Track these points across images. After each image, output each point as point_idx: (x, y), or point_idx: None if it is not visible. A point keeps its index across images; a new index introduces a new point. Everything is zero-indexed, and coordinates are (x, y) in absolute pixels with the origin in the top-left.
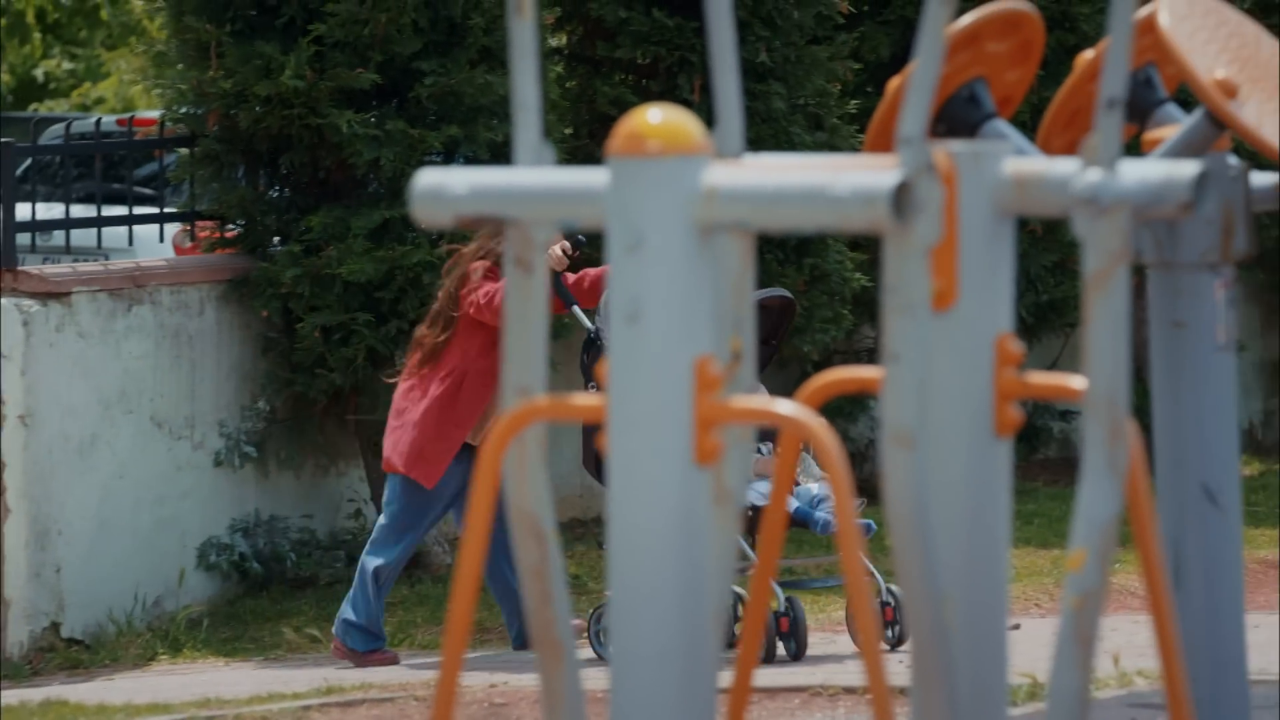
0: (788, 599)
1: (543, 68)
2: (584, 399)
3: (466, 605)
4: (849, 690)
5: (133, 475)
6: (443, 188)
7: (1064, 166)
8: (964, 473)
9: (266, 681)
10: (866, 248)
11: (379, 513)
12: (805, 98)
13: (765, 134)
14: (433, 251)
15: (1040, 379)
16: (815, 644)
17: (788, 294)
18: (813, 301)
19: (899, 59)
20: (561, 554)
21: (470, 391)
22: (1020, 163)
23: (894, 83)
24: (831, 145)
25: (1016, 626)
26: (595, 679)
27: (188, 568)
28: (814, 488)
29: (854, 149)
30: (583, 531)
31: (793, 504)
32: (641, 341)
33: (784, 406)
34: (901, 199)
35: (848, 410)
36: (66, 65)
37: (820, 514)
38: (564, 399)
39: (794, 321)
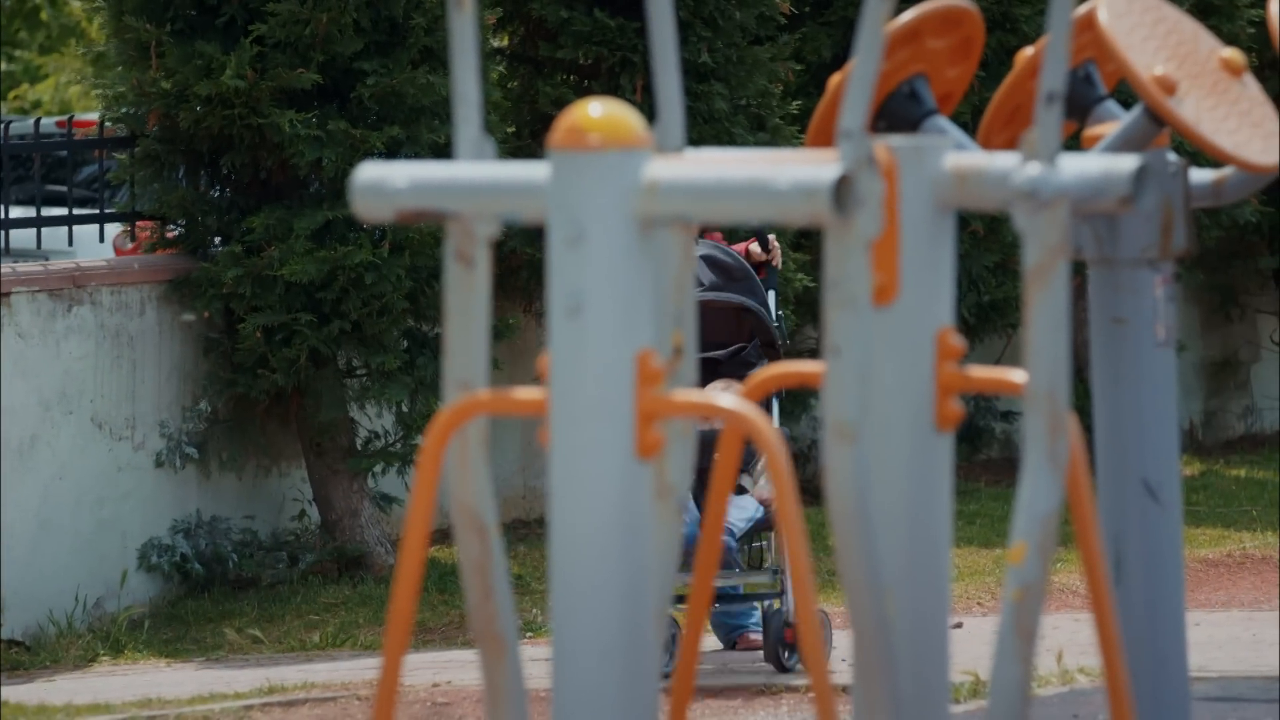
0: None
1: (485, 68)
2: (525, 393)
3: (407, 605)
4: (791, 689)
5: (73, 476)
6: (383, 182)
7: (1004, 161)
8: (905, 467)
9: (208, 682)
10: (809, 248)
11: (321, 513)
12: (747, 98)
13: (707, 134)
14: (374, 252)
15: (981, 373)
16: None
17: (743, 300)
18: None
19: (841, 59)
20: (504, 550)
21: None
22: (961, 157)
23: (835, 79)
24: (773, 145)
25: (959, 625)
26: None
27: (129, 569)
28: (749, 505)
29: (796, 149)
30: (525, 532)
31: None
32: (582, 335)
33: (726, 400)
34: (842, 192)
35: (790, 409)
36: (4, 67)
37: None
38: (505, 393)
39: (764, 327)
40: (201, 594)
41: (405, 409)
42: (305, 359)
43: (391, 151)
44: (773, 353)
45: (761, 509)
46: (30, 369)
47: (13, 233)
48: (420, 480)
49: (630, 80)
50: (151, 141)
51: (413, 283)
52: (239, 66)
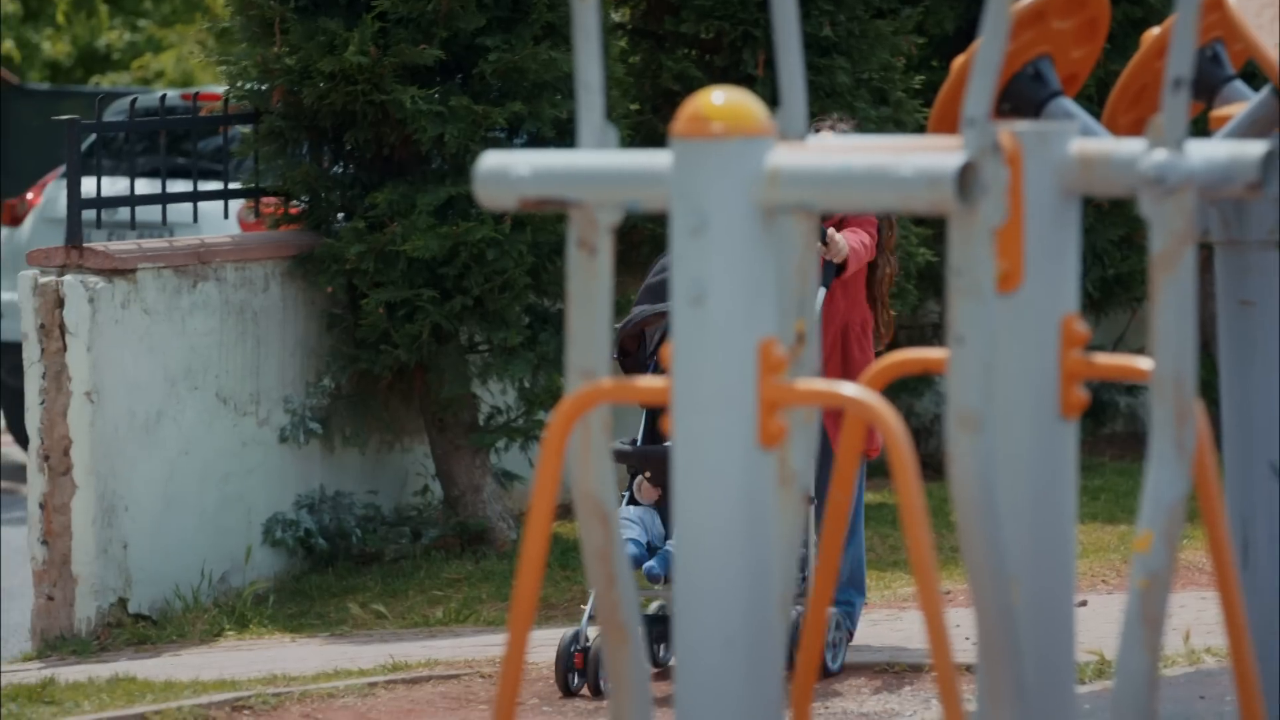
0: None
1: (606, 43)
2: (648, 381)
3: (533, 582)
4: (915, 668)
5: (198, 452)
6: (506, 170)
7: (1130, 146)
8: (1030, 454)
9: (332, 658)
10: (932, 223)
11: (443, 489)
12: (869, 72)
13: (829, 109)
14: (496, 228)
15: (1106, 360)
16: (881, 620)
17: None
18: None
19: (964, 33)
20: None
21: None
22: (1086, 143)
23: (959, 61)
24: (896, 120)
25: (1083, 603)
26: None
27: (254, 544)
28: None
29: (918, 123)
30: None
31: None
32: (705, 324)
33: (848, 389)
34: (966, 180)
35: (913, 385)
36: (127, 37)
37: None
38: (628, 381)
39: None
40: (325, 569)
41: (527, 385)
42: (428, 335)
43: (513, 127)
44: None
45: None
46: (156, 345)
47: (139, 206)
48: (543, 466)
49: (752, 55)
50: (275, 118)
51: (535, 259)
52: (362, 43)
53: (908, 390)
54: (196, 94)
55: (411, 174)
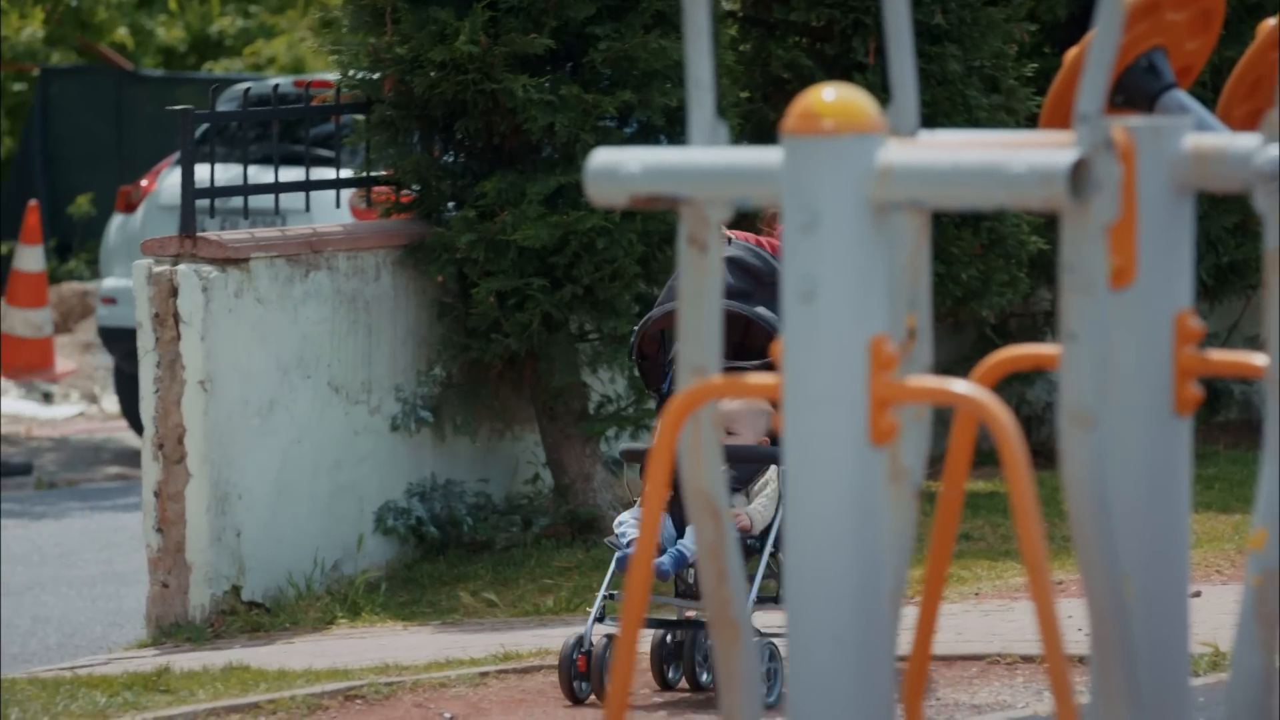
0: None
1: (716, 31)
2: (759, 378)
3: (644, 572)
4: (1027, 659)
5: (311, 440)
6: (617, 167)
7: (1244, 142)
8: (1144, 452)
9: (444, 646)
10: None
11: (554, 477)
12: (981, 59)
13: (940, 97)
14: (606, 216)
15: (1221, 356)
16: (993, 610)
17: (742, 309)
18: (990, 265)
19: (1077, 20)
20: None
21: None
22: (1200, 138)
23: (1072, 53)
24: (1008, 108)
25: (1197, 594)
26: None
27: (366, 532)
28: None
29: (1030, 112)
30: None
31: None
32: (816, 321)
33: (959, 385)
34: (1079, 177)
35: (1024, 373)
36: (240, 23)
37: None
38: (739, 378)
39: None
40: (436, 557)
41: (637, 373)
42: (538, 324)
43: (623, 116)
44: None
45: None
46: (269, 334)
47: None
48: (655, 464)
49: (863, 42)
50: (387, 107)
51: (644, 247)
52: (472, 32)
53: (1020, 379)
54: (310, 82)
55: (522, 163)
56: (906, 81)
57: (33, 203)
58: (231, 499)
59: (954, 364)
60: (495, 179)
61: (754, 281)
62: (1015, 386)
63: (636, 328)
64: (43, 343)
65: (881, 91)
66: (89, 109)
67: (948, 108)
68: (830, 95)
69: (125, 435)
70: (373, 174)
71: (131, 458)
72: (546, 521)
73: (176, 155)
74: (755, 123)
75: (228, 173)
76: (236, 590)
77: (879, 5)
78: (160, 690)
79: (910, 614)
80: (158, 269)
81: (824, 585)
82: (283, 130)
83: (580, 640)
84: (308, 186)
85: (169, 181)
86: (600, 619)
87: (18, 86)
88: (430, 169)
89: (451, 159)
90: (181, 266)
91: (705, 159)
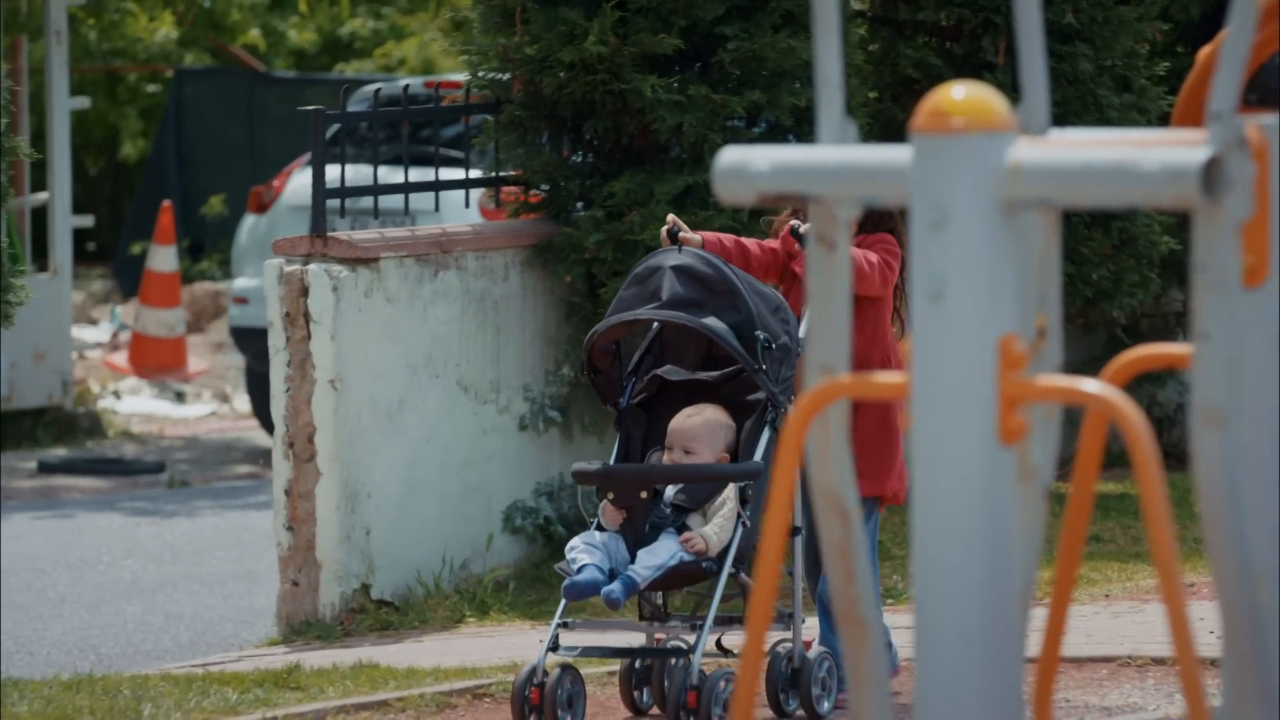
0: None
1: (845, 31)
2: (886, 377)
3: (771, 576)
4: (1158, 661)
5: (440, 439)
6: (745, 165)
7: None
8: (1277, 451)
9: None
10: (1174, 210)
11: None
12: (1113, 59)
13: (1071, 97)
14: (735, 216)
15: None
16: (1123, 612)
17: (688, 320)
18: (1121, 265)
19: (1210, 19)
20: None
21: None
22: None
23: (1204, 52)
24: (1139, 108)
25: None
26: (899, 646)
27: (494, 531)
28: (664, 551)
29: (1162, 111)
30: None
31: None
32: (945, 320)
33: (1089, 385)
34: (1211, 175)
35: (1156, 374)
36: (370, 25)
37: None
38: (867, 377)
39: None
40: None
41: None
42: None
43: (752, 116)
44: (760, 378)
45: (679, 557)
46: (398, 333)
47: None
48: (782, 463)
49: (993, 42)
50: (516, 107)
51: None
52: (602, 32)
53: (1151, 380)
54: (439, 83)
55: (650, 163)
56: (1037, 79)
57: (166, 203)
58: (361, 497)
59: (1084, 365)
60: (623, 179)
61: (705, 290)
62: (1146, 388)
63: (584, 342)
64: (175, 343)
65: (1011, 91)
66: (222, 110)
67: (1079, 107)
68: (960, 93)
69: (256, 435)
70: (501, 174)
71: (262, 457)
72: None
73: (307, 156)
74: (884, 122)
75: (358, 174)
76: (366, 588)
77: (1009, 4)
78: (290, 687)
79: (1039, 615)
80: (288, 268)
81: (952, 584)
82: (412, 131)
83: (534, 671)
84: (437, 186)
85: (300, 182)
86: (554, 648)
87: (152, 88)
88: (559, 169)
89: (580, 159)
90: (312, 266)
91: (834, 157)
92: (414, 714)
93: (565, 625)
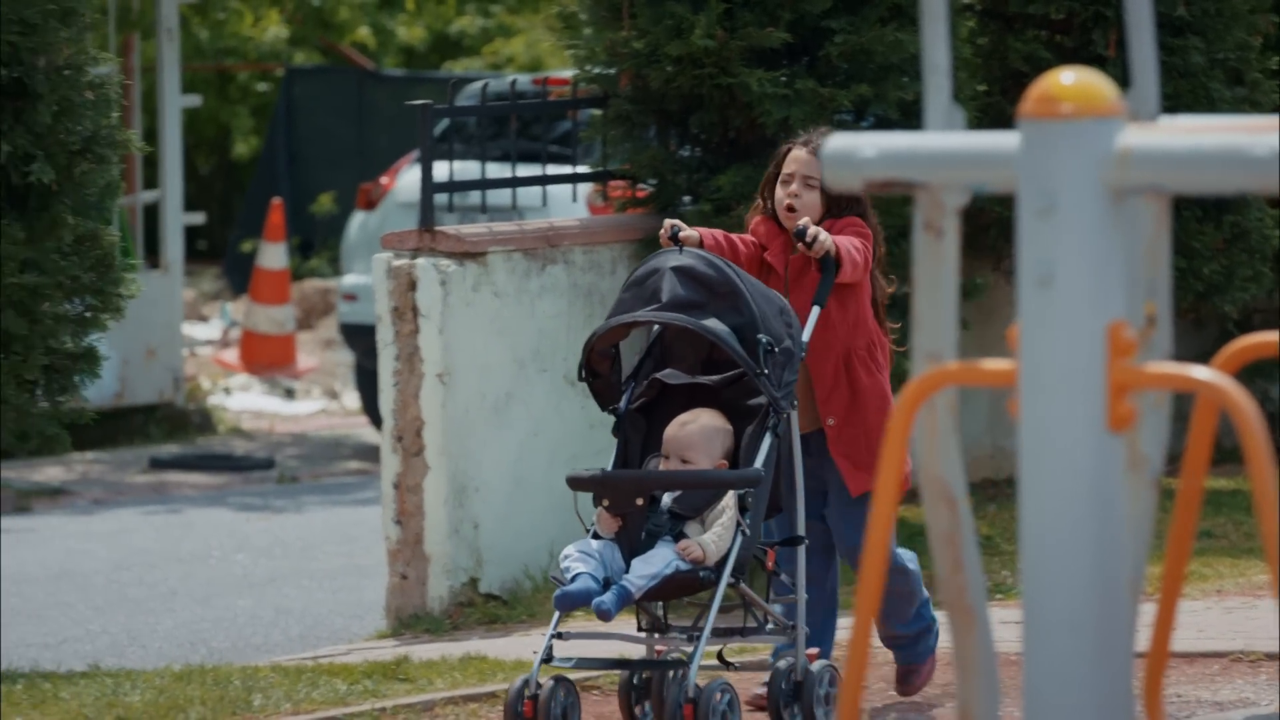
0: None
1: (954, 25)
2: (994, 364)
3: (878, 567)
4: (1271, 656)
5: (547, 433)
6: (852, 151)
7: None
8: None
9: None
10: None
11: None
12: (1225, 52)
13: (1183, 90)
14: None
15: None
16: (1235, 608)
17: (689, 322)
18: (1233, 260)
19: None
20: (973, 517)
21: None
22: None
23: None
24: (1252, 101)
25: None
26: (1008, 640)
27: None
28: (659, 560)
29: (1275, 105)
30: (994, 492)
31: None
32: (1053, 306)
33: (1200, 372)
34: None
35: (1268, 370)
36: (479, 23)
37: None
38: (974, 364)
39: (732, 355)
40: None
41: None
42: None
43: (859, 110)
44: (762, 383)
45: (674, 566)
46: (506, 327)
47: (490, 190)
48: (889, 450)
49: (1103, 35)
50: (623, 101)
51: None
52: (709, 26)
53: (1262, 375)
54: (546, 79)
55: (757, 157)
56: (1147, 66)
57: (276, 201)
58: (469, 491)
59: (1195, 360)
60: (730, 173)
61: (707, 292)
62: (1258, 383)
63: (583, 345)
64: (285, 340)
65: (1122, 86)
66: (331, 108)
67: (1190, 100)
68: (1069, 79)
69: (365, 431)
70: (609, 168)
71: (371, 453)
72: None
73: (416, 153)
74: (993, 116)
75: (465, 170)
76: (474, 582)
77: None
78: (399, 679)
79: (1149, 611)
80: (397, 263)
81: (1060, 572)
82: (520, 128)
83: (527, 683)
84: (544, 181)
85: (408, 179)
86: (547, 660)
87: (262, 87)
88: (666, 163)
89: (687, 153)
90: (420, 260)
91: (941, 143)
92: (599, 695)
93: (560, 636)
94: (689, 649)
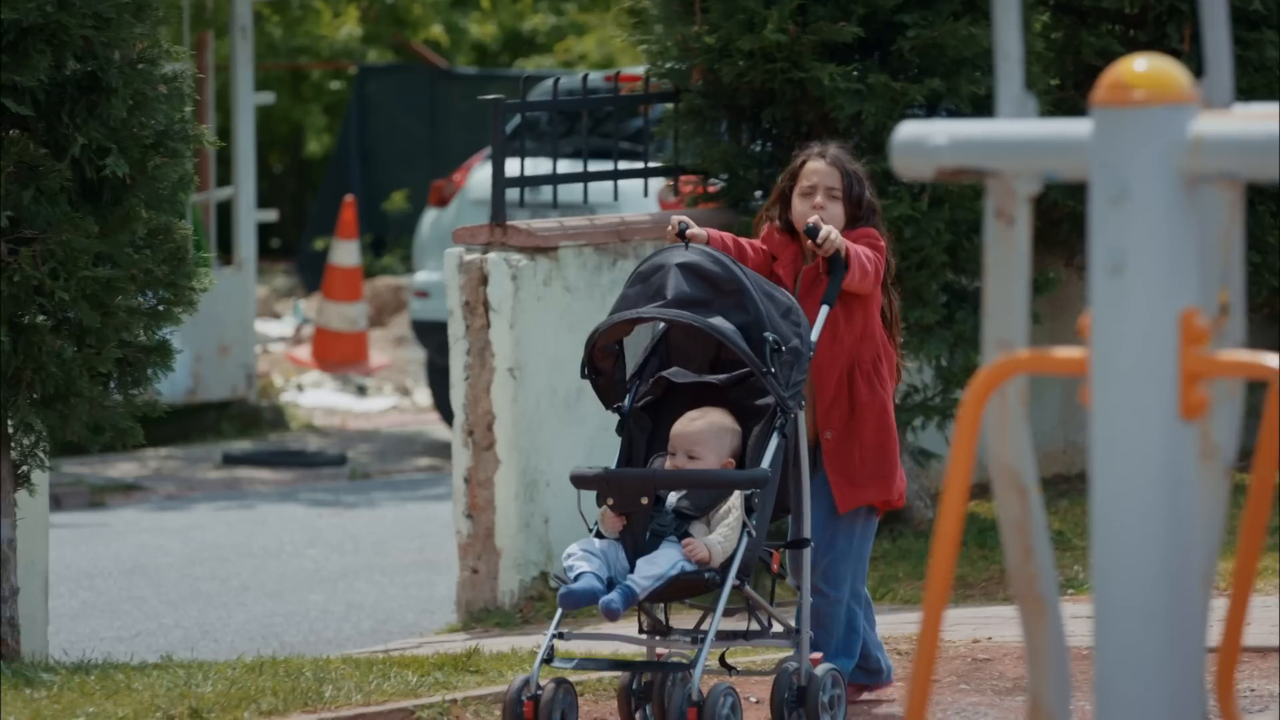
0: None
1: (1028, 19)
2: (1065, 352)
3: (947, 560)
4: None
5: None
6: (923, 139)
7: None
8: None
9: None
10: None
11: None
12: None
13: (1257, 84)
14: (914, 205)
15: None
16: None
17: (695, 320)
18: None
19: None
20: (1044, 507)
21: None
22: None
23: None
24: None
25: None
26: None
27: None
28: (665, 561)
29: None
30: (1066, 487)
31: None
32: (1125, 294)
33: (1272, 359)
34: None
35: None
36: (551, 21)
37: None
38: (1045, 352)
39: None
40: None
41: (944, 363)
42: None
43: (931, 104)
44: (769, 382)
45: (680, 566)
46: (577, 322)
47: (560, 186)
48: (959, 439)
49: (1177, 29)
50: (695, 96)
51: (952, 236)
52: (781, 21)
53: None
54: (617, 75)
55: None
56: (1220, 55)
57: (349, 198)
58: (539, 486)
59: None
60: None
61: (713, 289)
62: None
63: (586, 341)
64: (357, 337)
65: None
66: (404, 106)
67: (1265, 95)
68: (1141, 66)
69: (436, 428)
70: (680, 164)
71: (442, 450)
72: None
73: (488, 150)
74: (1066, 110)
75: (537, 168)
76: (544, 576)
77: None
78: (470, 671)
79: (1221, 606)
80: (468, 257)
81: (1132, 561)
82: (591, 126)
83: (527, 683)
84: (615, 176)
85: (481, 176)
86: (548, 660)
87: (335, 85)
88: (737, 158)
89: (758, 148)
90: (492, 255)
91: (1013, 131)
92: (592, 698)
93: (560, 636)
94: (691, 652)
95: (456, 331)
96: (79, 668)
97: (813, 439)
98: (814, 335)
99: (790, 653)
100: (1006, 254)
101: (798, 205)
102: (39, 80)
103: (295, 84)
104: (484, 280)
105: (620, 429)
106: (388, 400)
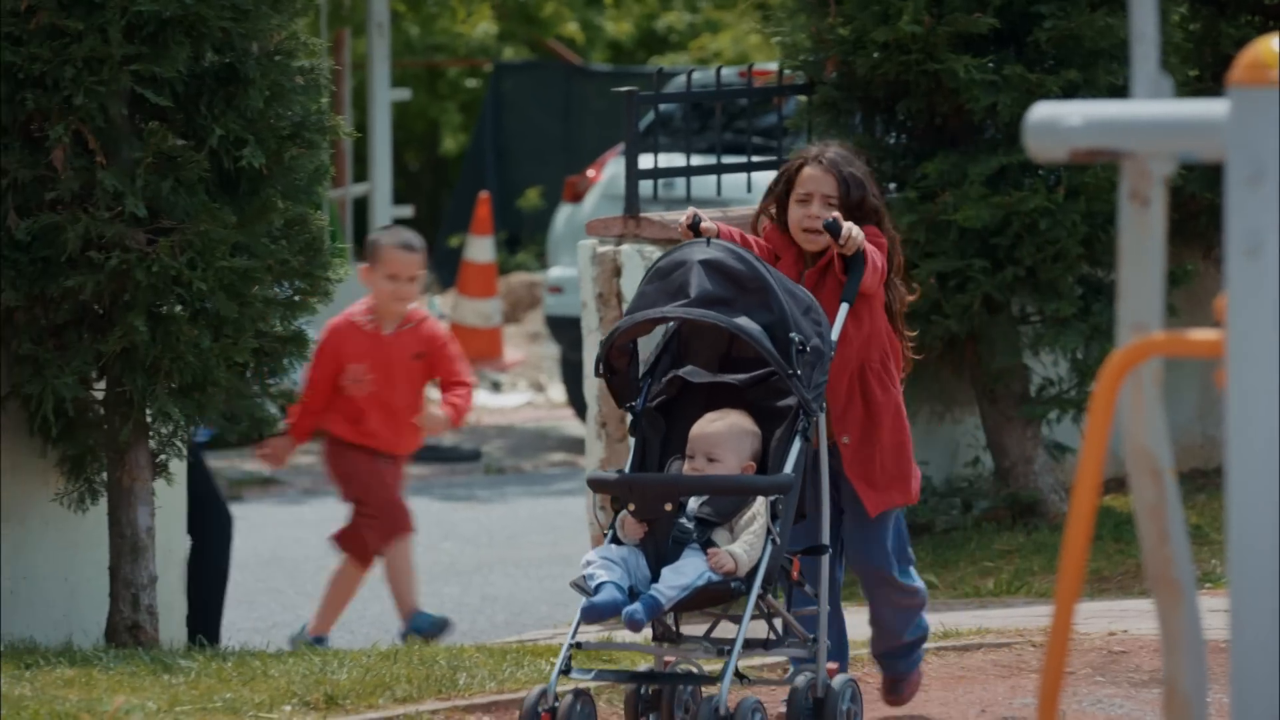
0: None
1: (1165, 9)
2: (1201, 334)
3: (1081, 543)
4: None
5: None
6: (1057, 121)
7: None
8: None
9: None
10: None
11: (995, 460)
12: None
13: None
14: (1049, 197)
15: None
16: None
17: (718, 319)
18: None
19: None
20: (1180, 497)
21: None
22: None
23: None
24: None
25: None
26: (1216, 629)
27: None
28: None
29: None
30: (1204, 482)
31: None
32: (1262, 276)
33: None
34: None
35: None
36: (686, 18)
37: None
38: (1181, 334)
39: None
40: None
41: (1079, 356)
42: (979, 305)
43: (1068, 96)
44: (794, 384)
45: (706, 577)
46: None
47: (694, 180)
48: (1093, 422)
49: None
50: (829, 88)
51: (1088, 228)
52: (916, 12)
53: None
54: (750, 69)
55: (963, 144)
56: None
57: (483, 195)
58: None
59: None
60: (937, 160)
61: (736, 287)
62: None
63: (603, 340)
64: (492, 333)
65: None
66: (539, 104)
67: None
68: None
69: (570, 423)
70: None
71: (576, 445)
72: (987, 505)
73: (622, 147)
74: None
75: (670, 162)
76: None
77: None
78: (602, 660)
79: None
80: (601, 249)
81: (1269, 551)
82: (725, 122)
83: (544, 694)
84: (749, 168)
85: (614, 171)
86: (565, 671)
87: (471, 83)
88: (872, 150)
89: (893, 140)
90: (625, 246)
91: (1148, 112)
92: (607, 703)
93: (578, 646)
94: (703, 660)
95: (590, 324)
96: (216, 655)
97: (826, 444)
98: (834, 332)
99: (806, 659)
100: (1141, 237)
101: (794, 212)
102: (178, 71)
103: (431, 81)
104: (617, 272)
105: (633, 428)
106: (522, 396)
